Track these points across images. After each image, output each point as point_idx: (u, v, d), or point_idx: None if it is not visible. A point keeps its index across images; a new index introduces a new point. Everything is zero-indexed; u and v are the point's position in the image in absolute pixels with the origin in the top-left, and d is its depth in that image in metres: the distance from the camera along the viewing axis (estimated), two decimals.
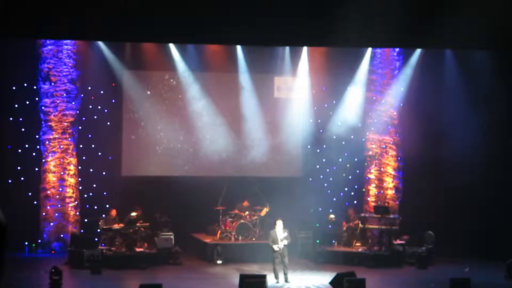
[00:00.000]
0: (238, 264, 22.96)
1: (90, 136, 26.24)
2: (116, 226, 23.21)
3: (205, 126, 26.96)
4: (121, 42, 25.86)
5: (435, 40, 21.49)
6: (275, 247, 19.77)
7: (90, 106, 26.19)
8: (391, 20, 19.81)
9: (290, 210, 23.51)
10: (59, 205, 25.47)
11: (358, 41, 22.17)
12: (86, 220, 25.35)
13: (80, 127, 26.00)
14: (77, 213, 25.74)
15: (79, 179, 25.99)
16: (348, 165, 27.86)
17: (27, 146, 25.60)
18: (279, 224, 19.98)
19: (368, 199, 27.78)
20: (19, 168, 25.42)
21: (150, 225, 23.95)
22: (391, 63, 27.75)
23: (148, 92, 26.89)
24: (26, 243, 25.02)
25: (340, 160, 27.74)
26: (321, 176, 27.92)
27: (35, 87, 25.53)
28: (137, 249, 22.99)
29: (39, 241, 25.30)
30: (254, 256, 23.50)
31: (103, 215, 24.33)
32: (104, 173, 26.21)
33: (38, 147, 25.59)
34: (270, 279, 19.19)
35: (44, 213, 25.42)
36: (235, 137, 27.18)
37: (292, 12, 20.17)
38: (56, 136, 25.44)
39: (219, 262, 23.36)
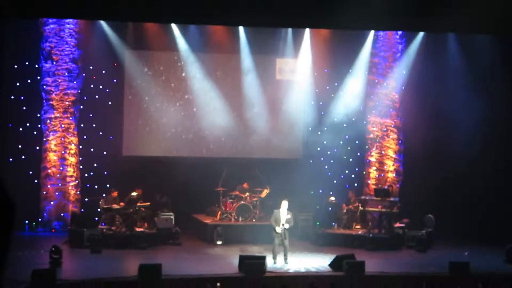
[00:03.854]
0: (238, 245, 22.97)
1: (91, 115, 26.23)
2: (116, 206, 23.22)
3: (206, 107, 26.92)
4: (123, 22, 25.79)
5: (438, 23, 21.42)
6: (277, 229, 19.78)
7: (92, 86, 26.15)
8: (394, 2, 19.74)
9: (290, 192, 23.53)
10: (60, 184, 25.50)
11: (360, 24, 22.09)
12: (86, 199, 25.38)
13: (81, 107, 25.97)
14: (78, 192, 25.77)
15: (80, 158, 26.00)
16: (349, 148, 27.87)
17: (28, 124, 25.59)
18: (284, 204, 19.96)
19: (369, 182, 27.81)
20: (20, 146, 25.43)
21: (151, 205, 23.95)
22: (393, 46, 27.71)
23: (150, 72, 26.84)
24: (27, 221, 25.06)
25: (341, 142, 27.73)
26: (322, 159, 27.93)
27: (36, 66, 25.50)
28: (137, 229, 23.02)
29: (40, 220, 25.34)
30: (254, 237, 23.55)
31: (104, 195, 24.34)
32: (105, 152, 26.21)
33: (39, 126, 25.57)
34: (270, 260, 19.24)
35: (44, 192, 25.46)
36: (236, 118, 27.14)
37: None
38: (58, 115, 25.42)
39: (219, 243, 23.38)
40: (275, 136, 27.39)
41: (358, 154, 28.17)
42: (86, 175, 26.16)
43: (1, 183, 2.43)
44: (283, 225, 19.82)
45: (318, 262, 20.11)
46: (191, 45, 26.58)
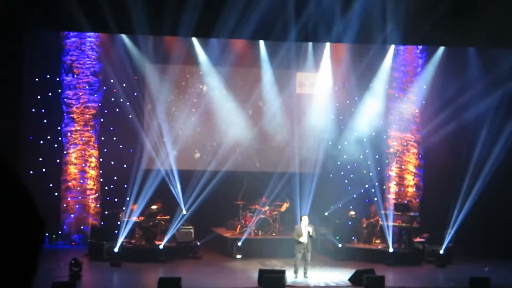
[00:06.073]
0: (258, 259, 22.95)
1: (111, 128, 26.31)
2: (136, 219, 23.24)
3: (226, 121, 26.93)
4: (144, 35, 25.85)
5: (459, 38, 21.42)
6: (302, 239, 19.78)
7: (112, 99, 26.23)
8: (416, 17, 19.75)
9: (310, 206, 23.50)
10: (80, 197, 25.58)
11: (381, 38, 22.12)
12: (106, 212, 25.43)
13: (102, 120, 26.08)
14: (98, 205, 25.85)
15: (100, 171, 26.08)
16: (369, 162, 27.74)
17: (49, 137, 25.70)
18: (305, 219, 20.02)
19: (389, 196, 27.69)
20: (40, 159, 25.52)
21: (170, 218, 23.95)
22: (414, 61, 27.66)
23: (170, 86, 26.88)
24: (47, 234, 25.09)
25: (361, 157, 27.64)
26: (342, 173, 27.87)
27: (58, 79, 25.64)
28: (157, 242, 23.03)
29: (60, 232, 25.42)
30: (273, 251, 23.51)
31: (123, 208, 24.35)
32: (125, 165, 26.22)
33: (60, 138, 25.69)
34: (291, 275, 19.20)
35: (64, 205, 25.54)
36: (257, 132, 27.14)
37: (314, 7, 20.17)
38: (78, 128, 25.54)
39: (238, 256, 23.37)
40: (295, 150, 27.33)
41: (378, 168, 28.04)
42: (106, 188, 26.22)
43: (32, 200, 2.44)
44: (309, 232, 19.83)
45: (338, 276, 20.08)
46: (212, 58, 26.59)
